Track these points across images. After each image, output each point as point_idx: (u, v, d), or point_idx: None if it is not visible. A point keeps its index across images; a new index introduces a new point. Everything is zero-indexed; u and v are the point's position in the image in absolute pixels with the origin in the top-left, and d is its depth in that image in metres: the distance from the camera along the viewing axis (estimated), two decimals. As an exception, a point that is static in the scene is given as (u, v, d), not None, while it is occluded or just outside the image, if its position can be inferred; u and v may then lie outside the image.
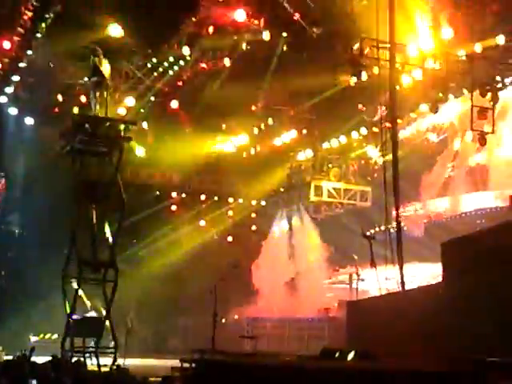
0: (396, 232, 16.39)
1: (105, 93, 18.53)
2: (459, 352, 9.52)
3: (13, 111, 23.86)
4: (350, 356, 11.01)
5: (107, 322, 17.47)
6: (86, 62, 19.49)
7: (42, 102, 23.76)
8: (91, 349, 16.91)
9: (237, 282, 24.28)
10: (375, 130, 23.34)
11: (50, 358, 13.51)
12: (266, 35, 20.88)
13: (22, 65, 21.72)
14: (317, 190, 27.11)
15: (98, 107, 18.39)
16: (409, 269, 16.61)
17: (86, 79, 19.61)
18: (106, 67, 18.67)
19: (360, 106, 23.53)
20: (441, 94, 20.01)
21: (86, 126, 17.91)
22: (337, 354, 11.23)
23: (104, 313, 17.80)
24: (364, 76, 18.62)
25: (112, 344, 17.48)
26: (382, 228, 23.38)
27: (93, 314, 19.54)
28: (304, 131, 26.80)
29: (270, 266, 28.51)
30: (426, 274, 21.64)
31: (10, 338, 22.92)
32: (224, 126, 26.97)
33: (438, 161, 24.88)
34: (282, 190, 29.93)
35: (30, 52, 21.25)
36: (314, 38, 20.25)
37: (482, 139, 19.66)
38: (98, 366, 15.11)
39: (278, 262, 28.68)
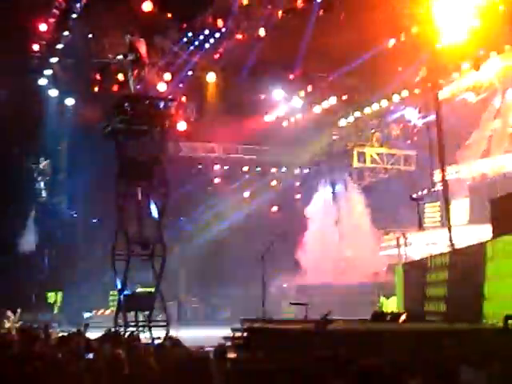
0: (443, 193, 16.24)
1: (142, 70, 18.57)
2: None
3: (53, 93, 24.06)
4: (402, 318, 11.05)
5: (158, 296, 17.72)
6: (122, 40, 19.53)
7: (81, 82, 23.90)
8: (144, 322, 17.19)
9: (284, 250, 24.32)
10: (416, 91, 23.02)
11: (103, 333, 13.81)
12: (301, 2, 20.62)
13: (59, 46, 21.85)
14: (360, 156, 26.95)
15: (136, 85, 18.45)
16: (455, 231, 16.44)
17: (121, 57, 19.62)
18: (141, 44, 18.69)
19: (400, 68, 23.13)
20: (482, 52, 19.63)
21: (126, 105, 18.00)
22: (388, 317, 11.26)
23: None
24: (403, 37, 18.35)
25: (164, 317, 17.75)
26: (425, 192, 23.24)
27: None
28: (344, 97, 26.48)
29: (316, 233, 28.52)
30: (472, 235, 21.35)
31: (64, 315, 23.45)
32: (263, 96, 26.84)
33: (478, 120, 24.35)
34: (324, 157, 29.80)
35: (66, 33, 21.33)
36: (349, 1, 19.92)
37: (527, 95, 19.29)
38: (152, 338, 15.33)
39: (324, 229, 28.68)
